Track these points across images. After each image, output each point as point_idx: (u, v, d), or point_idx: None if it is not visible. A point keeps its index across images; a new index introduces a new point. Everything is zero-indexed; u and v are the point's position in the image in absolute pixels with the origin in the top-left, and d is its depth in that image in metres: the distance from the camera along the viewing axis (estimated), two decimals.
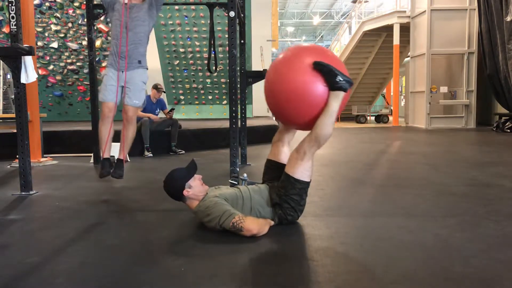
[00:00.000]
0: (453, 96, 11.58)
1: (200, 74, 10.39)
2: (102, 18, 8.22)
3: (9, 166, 4.96)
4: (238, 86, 4.48)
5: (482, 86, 11.46)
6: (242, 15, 5.06)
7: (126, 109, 3.45)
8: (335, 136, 8.49)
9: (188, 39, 10.05)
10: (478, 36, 10.87)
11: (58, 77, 9.48)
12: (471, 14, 11.01)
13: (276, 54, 30.92)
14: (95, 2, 5.06)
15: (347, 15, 21.57)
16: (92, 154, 5.26)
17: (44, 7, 9.11)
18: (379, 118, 14.86)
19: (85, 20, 5.27)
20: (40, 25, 9.11)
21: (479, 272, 1.78)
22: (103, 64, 9.46)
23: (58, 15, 9.20)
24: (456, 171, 4.40)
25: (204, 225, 2.38)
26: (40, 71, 9.12)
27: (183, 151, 6.20)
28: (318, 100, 2.33)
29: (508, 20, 9.56)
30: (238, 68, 4.30)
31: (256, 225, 2.25)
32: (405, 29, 12.22)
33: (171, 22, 9.90)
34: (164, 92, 6.60)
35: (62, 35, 9.30)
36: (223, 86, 10.48)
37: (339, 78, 2.30)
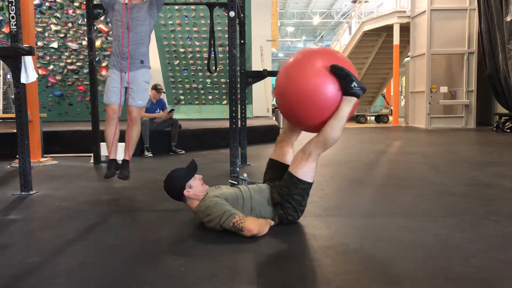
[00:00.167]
0: (453, 96, 11.58)
1: (200, 74, 10.39)
2: (102, 18, 8.22)
3: (9, 166, 4.96)
4: (238, 86, 4.48)
5: (482, 86, 11.46)
6: (242, 15, 5.06)
7: (130, 110, 3.46)
8: None
9: (188, 39, 10.05)
10: (478, 36, 10.87)
11: (58, 77, 9.47)
12: (471, 14, 11.01)
13: (276, 54, 30.92)
14: (95, 2, 5.06)
15: (347, 15, 21.57)
16: (92, 154, 5.26)
17: (44, 7, 9.11)
18: (379, 118, 14.86)
19: (85, 20, 5.28)
20: (40, 25, 9.11)
21: (479, 272, 1.78)
22: (103, 64, 9.47)
23: (58, 15, 9.19)
24: (456, 171, 4.40)
25: (204, 225, 2.38)
26: (40, 71, 9.12)
27: (183, 151, 6.20)
28: (329, 104, 2.32)
29: (508, 20, 9.56)
30: (238, 68, 4.30)
31: (256, 225, 2.25)
32: (405, 29, 12.21)
33: (171, 22, 9.90)
34: (164, 92, 6.60)
35: (62, 35, 9.30)
36: (223, 86, 10.48)
37: (355, 84, 2.31)
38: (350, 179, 4.10)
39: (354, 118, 15.18)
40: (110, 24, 3.87)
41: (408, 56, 13.11)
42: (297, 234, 2.34)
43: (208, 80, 10.47)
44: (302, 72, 2.36)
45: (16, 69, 3.41)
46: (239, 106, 4.50)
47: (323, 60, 2.35)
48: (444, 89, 11.51)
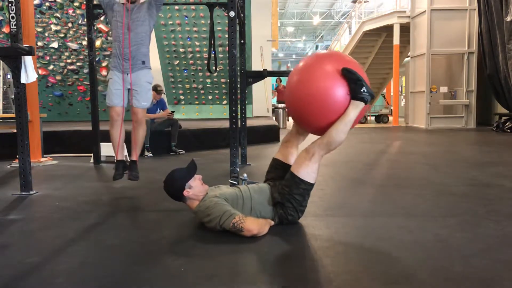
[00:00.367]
0: (453, 96, 11.58)
1: (200, 74, 10.39)
2: (102, 18, 8.21)
3: (9, 166, 4.96)
4: (238, 86, 4.48)
5: (482, 86, 11.46)
6: (242, 15, 5.06)
7: (135, 111, 3.48)
8: None
9: (188, 39, 10.05)
10: (478, 36, 10.87)
11: (58, 77, 9.47)
12: (471, 14, 11.01)
13: (276, 54, 30.88)
14: (95, 2, 5.06)
15: (347, 15, 21.57)
16: (92, 154, 5.26)
17: (44, 7, 9.11)
18: (379, 118, 14.86)
19: (85, 20, 5.27)
20: (40, 25, 9.10)
21: (479, 272, 1.78)
22: (103, 64, 9.46)
23: (58, 15, 9.19)
24: (456, 171, 4.40)
25: (204, 225, 2.38)
26: (40, 71, 9.12)
27: (183, 151, 6.20)
28: (338, 107, 2.33)
29: (508, 20, 9.56)
30: (238, 68, 4.30)
31: (256, 225, 2.25)
32: (405, 29, 12.21)
33: (171, 22, 9.90)
34: (164, 93, 6.60)
35: (62, 35, 9.30)
36: (223, 86, 10.48)
37: (364, 89, 2.32)
38: (350, 179, 4.10)
39: None
40: (109, 25, 3.88)
41: (408, 56, 13.10)
42: (297, 234, 2.34)
43: (208, 80, 10.47)
44: (312, 75, 2.37)
45: (16, 69, 3.41)
46: (239, 106, 4.50)
47: (334, 64, 2.37)
48: (444, 89, 11.51)
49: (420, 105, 11.65)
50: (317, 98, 2.34)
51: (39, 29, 9.08)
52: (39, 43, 9.11)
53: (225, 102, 10.59)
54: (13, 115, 4.16)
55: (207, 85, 10.55)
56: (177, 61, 10.25)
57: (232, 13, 3.88)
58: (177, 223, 2.58)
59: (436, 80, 11.48)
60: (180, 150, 6.18)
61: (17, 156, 3.52)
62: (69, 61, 9.43)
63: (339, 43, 17.85)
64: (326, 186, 3.67)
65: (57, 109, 9.60)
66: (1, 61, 5.31)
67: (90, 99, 5.18)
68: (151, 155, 5.90)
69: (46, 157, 5.44)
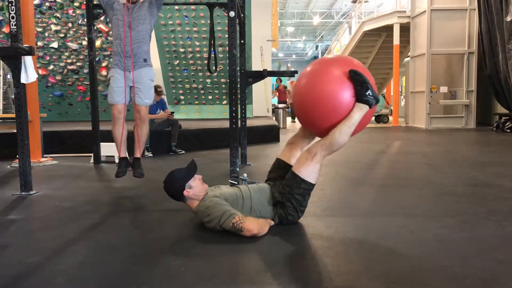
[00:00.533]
0: (453, 96, 11.57)
1: (200, 74, 10.39)
2: (102, 18, 8.21)
3: (9, 166, 4.96)
4: (238, 86, 4.48)
5: (482, 86, 11.46)
6: (242, 15, 5.06)
7: (138, 109, 3.50)
8: None
9: (188, 39, 10.05)
10: (478, 36, 10.87)
11: (58, 77, 9.47)
12: (471, 14, 11.01)
13: (276, 54, 30.85)
14: (95, 2, 5.05)
15: (347, 15, 21.56)
16: (92, 154, 5.26)
17: (44, 7, 9.11)
18: (379, 118, 14.85)
19: (85, 20, 5.28)
20: (40, 25, 9.10)
21: (479, 272, 1.78)
22: (103, 64, 9.46)
23: (58, 15, 9.19)
24: (456, 171, 4.40)
25: (204, 225, 2.38)
26: (40, 71, 9.12)
27: (183, 151, 6.20)
28: (344, 110, 2.34)
29: (508, 20, 9.56)
30: (238, 68, 4.30)
31: (256, 225, 2.25)
32: (405, 29, 12.21)
33: (171, 22, 9.90)
34: (164, 95, 6.61)
35: (62, 35, 9.30)
36: (223, 86, 10.48)
37: (370, 92, 2.33)
38: (350, 179, 4.10)
39: None
40: (110, 24, 3.88)
41: (408, 56, 13.10)
42: (297, 234, 2.34)
43: (208, 80, 10.47)
44: (320, 79, 2.40)
45: (16, 69, 3.41)
46: (239, 106, 4.50)
47: (342, 67, 2.39)
48: (444, 89, 11.51)
49: (420, 105, 11.65)
50: (324, 102, 2.35)
51: (39, 29, 9.08)
52: (39, 43, 9.11)
53: (225, 102, 10.59)
54: (13, 115, 4.16)
55: (207, 85, 10.55)
56: (177, 61, 10.25)
57: (232, 13, 3.88)
58: (177, 223, 2.58)
59: (436, 80, 11.47)
60: (180, 150, 6.18)
61: (17, 156, 3.52)
62: (69, 61, 9.43)
63: (339, 43, 17.84)
64: (326, 186, 3.67)
65: (57, 109, 9.60)
66: (1, 61, 5.31)
67: (90, 99, 5.17)
68: (151, 155, 5.90)
69: (46, 157, 5.44)
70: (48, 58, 9.34)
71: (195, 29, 9.97)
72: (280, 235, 2.29)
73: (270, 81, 14.22)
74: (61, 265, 1.92)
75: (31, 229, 2.56)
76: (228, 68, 3.99)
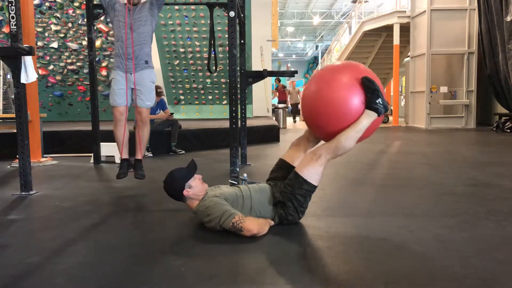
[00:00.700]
0: (453, 96, 11.57)
1: (200, 74, 10.39)
2: (102, 18, 8.21)
3: (9, 166, 4.96)
4: (238, 86, 4.48)
5: (482, 86, 11.46)
6: (242, 15, 5.06)
7: (140, 111, 3.51)
8: None
9: (188, 39, 10.05)
10: (478, 36, 10.87)
11: (58, 77, 9.47)
12: (471, 14, 11.01)
13: (276, 54, 30.83)
14: (95, 2, 5.06)
15: (347, 15, 21.56)
16: (92, 154, 5.26)
17: (44, 7, 9.11)
18: None
19: (85, 20, 5.28)
20: (40, 25, 9.11)
21: (479, 272, 1.78)
22: (103, 64, 9.46)
23: (58, 15, 9.19)
24: (456, 171, 4.39)
25: (204, 225, 2.38)
26: (40, 71, 9.12)
27: (183, 151, 6.20)
28: (352, 116, 2.35)
29: (508, 20, 9.56)
30: (238, 68, 4.30)
31: (256, 225, 2.25)
32: (405, 29, 12.21)
33: (171, 22, 9.90)
34: (164, 95, 6.61)
35: (62, 35, 9.30)
36: (223, 86, 10.48)
37: (380, 100, 2.34)
38: (350, 179, 4.10)
39: None
40: (110, 25, 3.88)
41: (408, 56, 13.10)
42: (297, 234, 2.34)
43: (208, 80, 10.47)
44: (330, 85, 2.40)
45: (16, 69, 3.41)
46: (239, 106, 4.50)
47: (351, 73, 2.40)
48: (444, 89, 11.51)
49: (420, 105, 11.65)
50: (335, 107, 2.36)
51: (39, 29, 9.08)
52: (39, 43, 9.11)
53: (225, 102, 10.59)
54: (13, 115, 4.16)
55: (207, 85, 10.56)
56: (177, 61, 10.25)
57: (232, 13, 3.88)
58: (177, 223, 2.58)
59: (436, 80, 11.47)
60: (180, 150, 6.18)
61: (17, 156, 3.52)
62: (69, 61, 9.43)
63: (339, 43, 17.84)
64: (326, 186, 3.67)
65: (57, 109, 9.60)
66: (1, 61, 5.31)
67: (90, 99, 5.18)
68: (151, 155, 5.90)
69: (46, 157, 5.44)
70: (48, 58, 9.35)
71: (195, 29, 9.97)
72: (280, 235, 2.29)
73: (270, 81, 14.22)
74: (61, 265, 1.92)
75: (31, 229, 2.56)
76: (228, 68, 3.99)
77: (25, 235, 2.43)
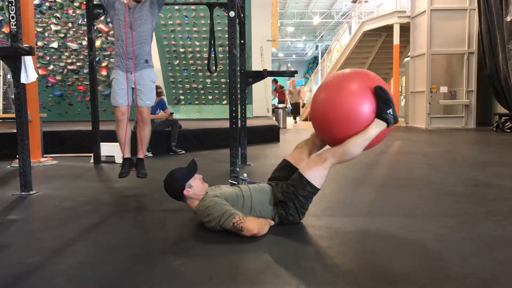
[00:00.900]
0: (453, 96, 11.57)
1: (200, 74, 10.39)
2: (102, 18, 8.21)
3: (9, 166, 4.96)
4: (238, 86, 4.48)
5: (482, 86, 11.46)
6: (242, 15, 5.06)
7: (141, 111, 3.52)
8: None
9: (188, 39, 10.04)
10: (478, 36, 10.87)
11: (58, 77, 9.47)
12: (471, 14, 11.01)
13: (276, 54, 30.80)
14: (95, 2, 5.06)
15: (347, 15, 21.55)
16: (92, 154, 5.26)
17: (44, 7, 9.11)
18: None
19: (85, 20, 5.27)
20: (40, 25, 9.10)
21: (479, 272, 1.78)
22: (103, 64, 9.46)
23: (58, 15, 9.19)
24: (456, 171, 4.39)
25: (204, 225, 2.38)
26: (40, 71, 9.12)
27: (183, 151, 6.20)
28: (362, 123, 2.36)
29: (508, 20, 9.56)
30: (238, 68, 4.30)
31: (256, 225, 2.25)
32: (405, 29, 12.21)
33: (171, 22, 9.89)
34: (164, 96, 6.61)
35: (62, 35, 9.29)
36: (223, 86, 10.48)
37: (391, 111, 2.35)
38: (350, 179, 4.10)
39: None
40: (110, 24, 3.88)
41: (408, 56, 13.10)
42: (297, 234, 2.34)
43: (208, 80, 10.46)
44: (342, 91, 2.41)
45: (16, 69, 3.41)
46: (239, 106, 4.50)
47: (364, 80, 2.42)
48: (444, 89, 11.51)
49: (420, 105, 11.64)
50: (346, 115, 2.37)
51: (39, 29, 9.08)
52: (39, 43, 9.11)
53: (225, 102, 10.59)
54: (13, 115, 4.16)
55: (207, 85, 10.55)
56: (177, 61, 10.24)
57: (232, 13, 3.88)
58: (177, 223, 2.58)
59: (436, 80, 11.47)
60: (180, 150, 6.18)
61: (17, 156, 3.52)
62: (69, 61, 9.42)
63: (339, 43, 17.83)
64: (326, 186, 3.65)
65: (57, 109, 9.60)
66: (1, 61, 5.31)
67: (90, 99, 5.17)
68: (151, 155, 5.90)
69: (46, 157, 5.44)
70: (48, 58, 9.34)
71: (195, 29, 9.96)
72: (280, 235, 2.29)
73: (270, 81, 14.20)
74: (61, 265, 1.92)
75: (31, 229, 2.56)
76: (228, 68, 3.99)
77: (25, 235, 2.43)
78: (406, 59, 14.24)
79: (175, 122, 6.21)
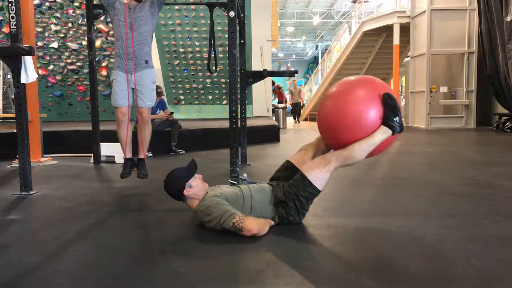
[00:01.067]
0: (453, 96, 11.57)
1: (200, 74, 10.39)
2: (102, 18, 8.21)
3: (9, 166, 4.96)
4: (238, 86, 4.48)
5: (482, 86, 11.46)
6: (242, 15, 5.06)
7: (141, 111, 3.52)
8: None
9: (188, 39, 10.04)
10: (478, 36, 10.87)
11: (58, 77, 9.47)
12: (471, 14, 11.01)
13: (276, 54, 30.80)
14: (95, 2, 5.06)
15: (347, 15, 21.55)
16: (92, 154, 5.26)
17: (44, 7, 9.10)
18: None
19: (85, 20, 5.27)
20: (40, 25, 9.10)
21: (479, 272, 1.78)
22: (103, 64, 9.46)
23: (58, 15, 9.19)
24: (456, 171, 4.39)
25: (204, 225, 2.38)
26: (40, 71, 9.11)
27: (183, 151, 6.20)
28: (368, 129, 2.37)
29: (508, 20, 9.56)
30: (238, 68, 4.30)
31: (256, 225, 2.25)
32: (405, 29, 12.21)
33: (171, 22, 9.90)
34: (164, 96, 6.61)
35: (62, 35, 9.29)
36: (223, 86, 10.48)
37: (397, 119, 2.36)
38: (350, 179, 4.10)
39: None
40: (110, 24, 3.88)
41: (408, 56, 13.10)
42: (297, 234, 2.34)
43: (208, 80, 10.46)
44: (350, 97, 2.43)
45: (16, 69, 3.41)
46: (239, 106, 4.50)
47: (372, 87, 2.43)
48: (444, 89, 11.51)
49: (420, 105, 11.65)
50: (353, 121, 2.37)
51: (39, 29, 9.08)
52: (39, 43, 9.10)
53: (225, 102, 10.59)
54: (13, 115, 4.17)
55: (207, 85, 10.55)
56: (177, 61, 10.24)
57: (232, 13, 3.88)
58: (177, 223, 2.58)
59: (436, 80, 11.47)
60: (180, 150, 6.18)
61: (17, 156, 3.52)
62: (69, 61, 9.42)
63: (339, 43, 17.83)
64: (326, 186, 3.66)
65: (57, 109, 9.60)
66: (1, 61, 5.31)
67: (90, 99, 5.17)
68: (151, 155, 5.90)
69: (46, 157, 5.44)
70: (48, 58, 9.34)
71: (195, 29, 9.96)
72: (280, 235, 2.29)
73: (270, 81, 14.21)
74: (61, 265, 1.92)
75: (31, 229, 2.56)
76: (228, 68, 3.99)
77: (25, 235, 2.43)
78: (406, 59, 14.24)
79: (175, 122, 6.21)
